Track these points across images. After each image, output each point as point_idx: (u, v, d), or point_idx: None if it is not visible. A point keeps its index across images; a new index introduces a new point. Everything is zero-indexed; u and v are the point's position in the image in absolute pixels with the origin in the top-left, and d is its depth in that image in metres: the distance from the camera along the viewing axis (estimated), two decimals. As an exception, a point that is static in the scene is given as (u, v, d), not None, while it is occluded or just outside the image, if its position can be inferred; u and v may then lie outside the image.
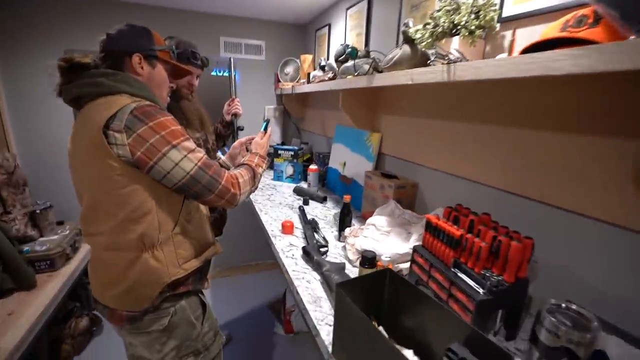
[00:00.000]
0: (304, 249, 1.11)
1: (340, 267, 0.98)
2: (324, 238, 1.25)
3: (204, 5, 2.22)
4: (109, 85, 0.82)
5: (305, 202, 1.68)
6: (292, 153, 2.08)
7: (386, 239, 1.13)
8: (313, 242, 1.15)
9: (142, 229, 0.83)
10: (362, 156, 1.64)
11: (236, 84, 2.46)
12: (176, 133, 0.83)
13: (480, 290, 0.70)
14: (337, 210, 1.61)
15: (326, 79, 1.66)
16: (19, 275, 1.52)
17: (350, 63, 1.36)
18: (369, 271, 0.93)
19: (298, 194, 1.85)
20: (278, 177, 2.15)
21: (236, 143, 1.32)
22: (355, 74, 1.30)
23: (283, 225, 1.30)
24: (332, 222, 1.45)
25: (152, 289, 0.86)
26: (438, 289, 0.82)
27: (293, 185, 2.01)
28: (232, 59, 2.04)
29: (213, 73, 2.46)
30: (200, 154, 0.87)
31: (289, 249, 1.18)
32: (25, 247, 1.66)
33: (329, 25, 2.15)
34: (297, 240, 1.26)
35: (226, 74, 2.47)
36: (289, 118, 2.72)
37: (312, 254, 1.06)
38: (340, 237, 1.24)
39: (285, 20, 2.53)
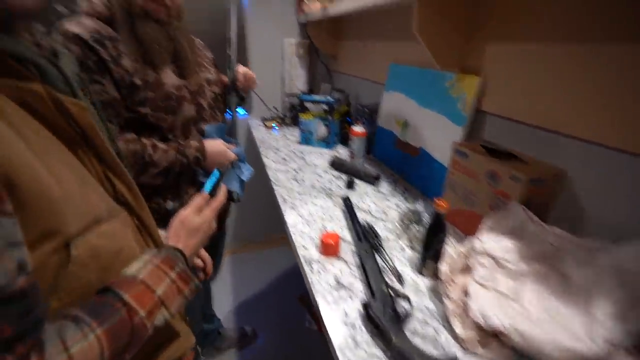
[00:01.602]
0: (366, 310, 0.60)
1: (452, 376, 0.48)
2: (394, 269, 0.74)
3: None
4: None
5: (350, 185, 1.15)
6: (326, 107, 1.48)
7: (522, 292, 0.60)
8: (382, 290, 0.63)
9: None
10: (442, 114, 1.03)
11: (244, 11, 1.79)
12: None
13: None
14: (398, 200, 1.07)
15: (384, -17, 0.99)
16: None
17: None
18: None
19: (337, 169, 1.30)
20: (306, 140, 1.59)
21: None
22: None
23: (323, 243, 0.79)
24: (397, 225, 0.92)
25: None
26: None
27: (327, 153, 1.46)
28: None
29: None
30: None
31: (336, 299, 0.67)
32: None
33: None
34: (348, 270, 0.74)
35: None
36: (317, 56, 2.05)
37: (385, 327, 0.56)
38: (425, 267, 0.72)
39: None
